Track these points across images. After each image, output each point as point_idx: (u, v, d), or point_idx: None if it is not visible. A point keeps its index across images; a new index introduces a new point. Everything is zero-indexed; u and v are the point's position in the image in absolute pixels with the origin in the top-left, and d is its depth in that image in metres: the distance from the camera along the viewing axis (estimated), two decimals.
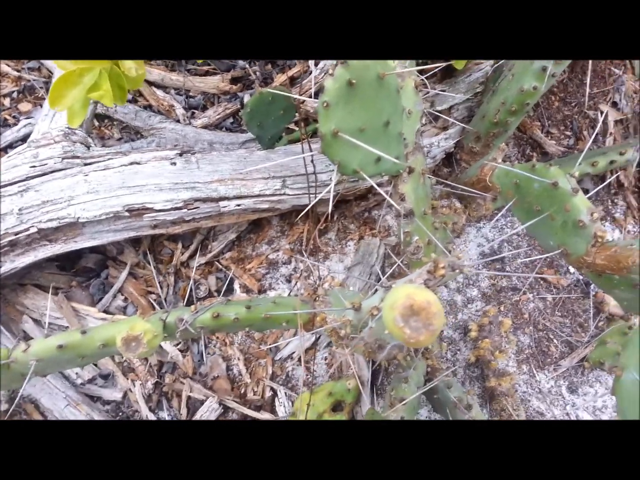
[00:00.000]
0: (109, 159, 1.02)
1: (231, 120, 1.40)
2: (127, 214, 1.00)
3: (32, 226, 0.95)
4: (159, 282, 1.22)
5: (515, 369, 1.15)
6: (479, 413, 0.91)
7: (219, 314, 0.71)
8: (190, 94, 1.44)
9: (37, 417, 1.07)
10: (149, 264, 1.22)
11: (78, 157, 1.00)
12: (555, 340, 1.19)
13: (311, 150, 1.00)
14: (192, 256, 1.25)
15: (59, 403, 1.02)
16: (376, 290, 0.62)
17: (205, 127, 1.35)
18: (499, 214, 1.27)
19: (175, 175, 1.02)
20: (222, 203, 1.06)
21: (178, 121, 1.35)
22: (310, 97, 1.25)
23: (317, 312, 0.78)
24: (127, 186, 0.99)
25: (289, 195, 1.09)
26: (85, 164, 1.00)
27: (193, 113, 1.40)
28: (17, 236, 0.95)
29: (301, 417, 1.04)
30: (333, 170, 1.11)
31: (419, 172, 0.91)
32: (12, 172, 0.95)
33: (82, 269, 1.19)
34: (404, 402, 0.83)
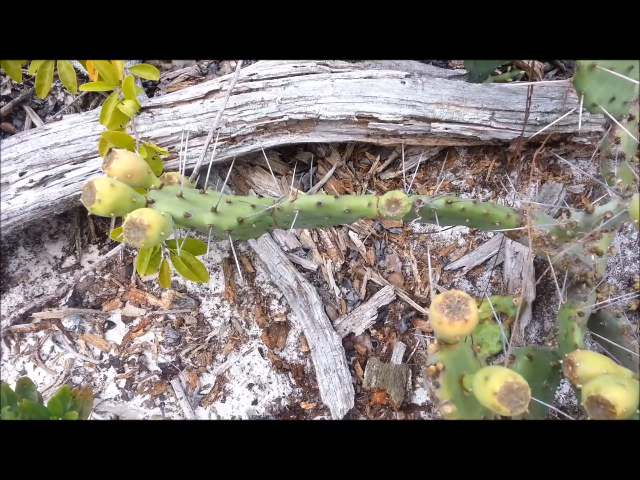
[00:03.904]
0: (349, 70, 1.21)
1: None
2: (355, 119, 1.20)
3: (285, 115, 1.18)
4: (354, 186, 1.43)
5: None
6: None
7: (452, 202, 0.88)
8: None
9: (249, 269, 1.35)
10: (350, 169, 1.43)
11: (327, 65, 1.20)
12: None
13: (531, 91, 1.12)
14: (384, 170, 1.43)
15: (274, 260, 1.29)
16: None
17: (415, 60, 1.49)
18: None
19: (402, 92, 1.18)
20: (433, 124, 1.21)
21: None
22: None
23: (527, 220, 0.93)
24: (362, 95, 1.18)
25: (493, 127, 1.21)
26: (332, 72, 1.20)
27: None
28: (272, 121, 1.18)
29: None
30: (540, 112, 1.21)
31: (636, 122, 0.98)
32: (279, 69, 1.18)
33: (296, 162, 1.43)
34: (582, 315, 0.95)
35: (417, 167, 1.43)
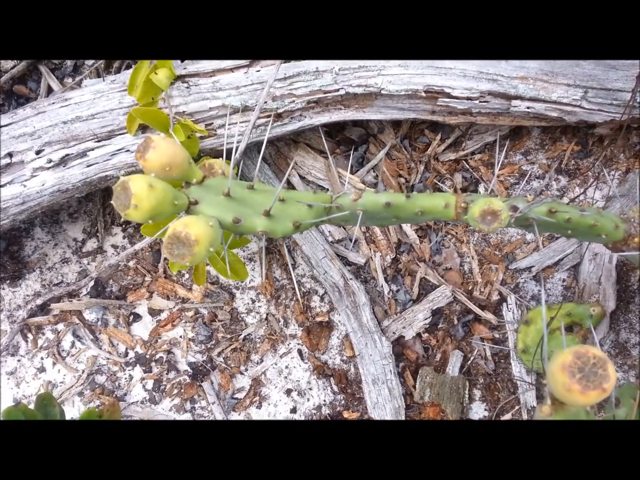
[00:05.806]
0: None
1: None
2: (423, 94, 1.02)
3: (342, 88, 1.00)
4: (409, 168, 1.26)
5: None
6: None
7: (556, 210, 0.72)
8: None
9: (288, 261, 1.21)
10: (405, 149, 1.26)
11: None
12: None
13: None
14: (444, 150, 1.26)
15: (318, 253, 1.14)
16: None
17: None
18: None
19: (483, 63, 1.00)
20: (514, 102, 1.03)
21: None
22: None
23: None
24: (434, 66, 1.00)
25: (584, 108, 1.03)
26: None
27: None
28: (325, 95, 1.01)
29: (532, 327, 1.07)
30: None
31: None
32: None
33: (344, 139, 1.26)
34: None
35: (481, 148, 1.26)
